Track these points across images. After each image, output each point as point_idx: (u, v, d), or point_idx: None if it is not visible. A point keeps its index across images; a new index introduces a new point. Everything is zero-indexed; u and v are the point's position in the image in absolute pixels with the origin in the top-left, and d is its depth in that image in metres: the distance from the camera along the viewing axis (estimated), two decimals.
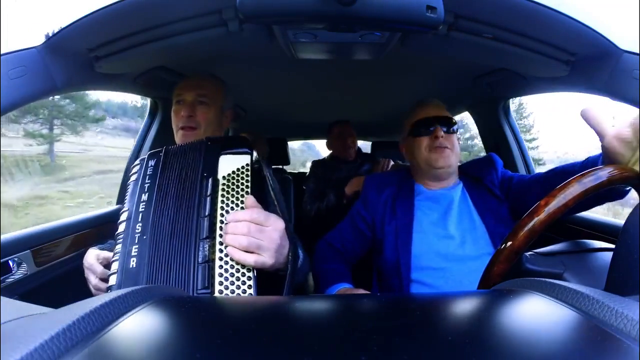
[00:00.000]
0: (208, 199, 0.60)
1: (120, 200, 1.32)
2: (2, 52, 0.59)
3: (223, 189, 0.61)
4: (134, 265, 0.56)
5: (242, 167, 0.64)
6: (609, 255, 0.47)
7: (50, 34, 0.64)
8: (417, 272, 0.88)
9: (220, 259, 0.55)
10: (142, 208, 0.61)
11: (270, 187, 0.67)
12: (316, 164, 1.92)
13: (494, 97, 1.34)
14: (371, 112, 2.04)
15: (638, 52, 0.61)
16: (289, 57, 0.89)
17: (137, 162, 0.69)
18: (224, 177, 0.63)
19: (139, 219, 0.60)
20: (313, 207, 1.70)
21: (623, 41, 0.62)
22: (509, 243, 0.48)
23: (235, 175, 0.63)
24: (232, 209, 0.60)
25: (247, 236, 0.54)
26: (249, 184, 0.62)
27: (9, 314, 0.27)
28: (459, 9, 0.64)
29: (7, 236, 0.84)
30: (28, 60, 0.63)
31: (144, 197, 0.62)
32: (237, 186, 0.62)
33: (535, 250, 0.61)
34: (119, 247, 0.59)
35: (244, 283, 0.54)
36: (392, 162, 1.73)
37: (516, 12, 0.61)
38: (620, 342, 0.22)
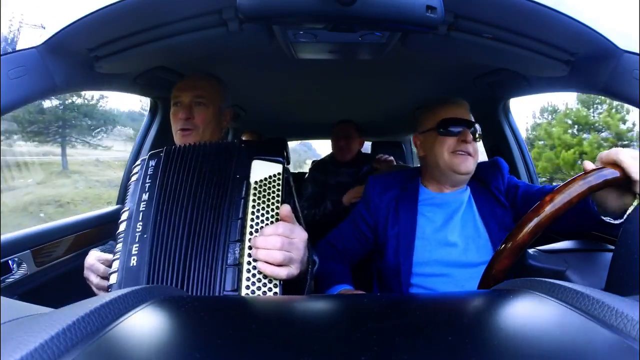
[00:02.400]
0: (242, 201, 0.60)
1: (121, 200, 1.32)
2: (2, 52, 0.59)
3: (254, 194, 0.61)
4: (135, 264, 0.57)
5: (275, 175, 0.63)
6: (610, 255, 0.47)
7: (50, 34, 0.64)
8: (418, 278, 0.88)
9: (249, 263, 0.56)
10: (142, 207, 0.61)
11: (295, 197, 0.67)
12: (315, 167, 1.89)
13: (494, 97, 1.34)
14: (371, 112, 2.04)
15: (638, 52, 0.61)
16: (289, 57, 0.89)
17: (138, 162, 0.69)
18: (255, 182, 0.62)
19: (140, 218, 0.60)
20: (310, 213, 1.67)
21: (623, 41, 0.62)
22: (514, 238, 0.48)
23: (267, 182, 0.63)
24: (263, 215, 0.59)
25: (281, 250, 0.54)
26: (280, 193, 0.62)
27: (9, 314, 0.27)
28: (459, 9, 0.64)
29: (7, 236, 0.84)
30: (28, 60, 0.63)
31: (145, 196, 0.62)
32: (269, 194, 0.62)
33: (538, 248, 0.62)
34: (119, 246, 0.59)
35: (270, 290, 0.55)
36: (392, 157, 1.71)
37: (516, 12, 0.61)
38: (620, 342, 0.22)
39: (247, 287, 0.54)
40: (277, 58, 0.97)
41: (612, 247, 0.55)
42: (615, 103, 10.13)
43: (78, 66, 0.73)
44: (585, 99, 10.91)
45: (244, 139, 2.23)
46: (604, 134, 10.54)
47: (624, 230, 0.44)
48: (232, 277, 0.54)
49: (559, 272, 0.55)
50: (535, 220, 0.47)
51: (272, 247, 0.54)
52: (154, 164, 0.66)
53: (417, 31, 0.60)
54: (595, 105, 10.96)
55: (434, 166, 0.94)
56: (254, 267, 0.55)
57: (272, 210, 0.60)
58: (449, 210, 0.93)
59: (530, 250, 0.59)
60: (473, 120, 0.93)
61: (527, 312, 0.30)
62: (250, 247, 0.56)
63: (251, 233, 0.58)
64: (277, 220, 0.59)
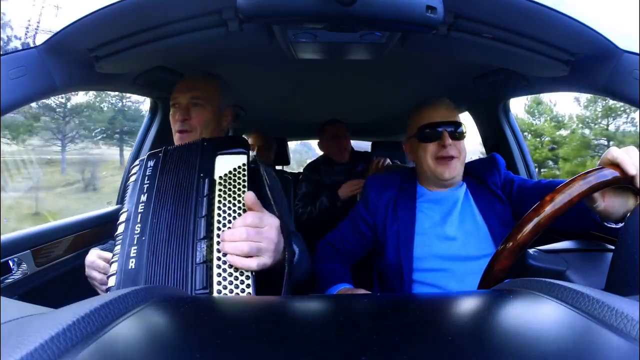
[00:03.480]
0: (205, 199, 0.60)
1: (121, 200, 1.32)
2: (2, 52, 0.59)
3: (220, 189, 0.62)
4: (133, 267, 0.56)
5: (239, 167, 0.64)
6: (610, 254, 0.47)
7: (50, 34, 0.64)
8: (419, 274, 0.88)
9: (219, 259, 0.56)
10: (141, 209, 0.61)
11: (267, 186, 0.67)
12: (309, 168, 1.87)
13: (494, 97, 1.34)
14: (371, 112, 2.04)
15: (638, 52, 0.61)
16: (289, 57, 0.89)
17: (137, 162, 0.69)
18: (220, 178, 0.63)
19: (138, 220, 0.60)
20: (305, 211, 1.66)
21: (623, 41, 0.62)
22: (514, 238, 0.48)
23: (231, 176, 0.63)
24: (229, 208, 0.60)
25: (247, 241, 0.54)
26: (245, 183, 0.63)
27: (9, 314, 0.27)
28: (459, 9, 0.64)
29: (7, 236, 0.84)
30: (28, 60, 0.63)
31: (143, 197, 0.62)
32: (234, 186, 0.62)
33: (538, 248, 0.62)
34: (118, 248, 0.59)
35: (242, 282, 0.55)
36: (388, 160, 1.71)
37: (516, 12, 0.61)
38: (620, 342, 0.22)
39: (219, 283, 0.54)
40: (277, 58, 0.97)
41: (612, 247, 0.55)
42: (554, 113, 12.80)
43: (78, 66, 0.73)
44: (529, 110, 13.18)
45: (250, 141, 2.23)
46: (543, 139, 12.88)
47: (624, 230, 0.44)
48: (201, 275, 0.54)
49: (559, 272, 0.55)
50: (536, 220, 0.47)
51: (238, 239, 0.54)
52: (152, 164, 0.66)
53: (417, 31, 0.60)
54: (539, 116, 13.29)
55: (422, 172, 0.97)
56: (224, 262, 0.55)
57: (239, 202, 0.60)
58: (446, 206, 0.93)
59: (531, 250, 0.59)
60: (455, 119, 0.92)
61: (527, 312, 0.30)
62: (219, 243, 0.56)
63: (219, 229, 0.58)
64: (244, 210, 0.59)
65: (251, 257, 0.54)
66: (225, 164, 0.65)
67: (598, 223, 0.60)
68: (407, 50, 0.83)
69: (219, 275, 0.55)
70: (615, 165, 0.50)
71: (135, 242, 0.58)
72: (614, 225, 0.59)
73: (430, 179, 0.95)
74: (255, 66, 1.17)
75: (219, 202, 0.60)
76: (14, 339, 0.21)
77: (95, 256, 0.73)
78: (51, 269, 0.94)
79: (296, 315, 0.32)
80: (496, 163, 0.99)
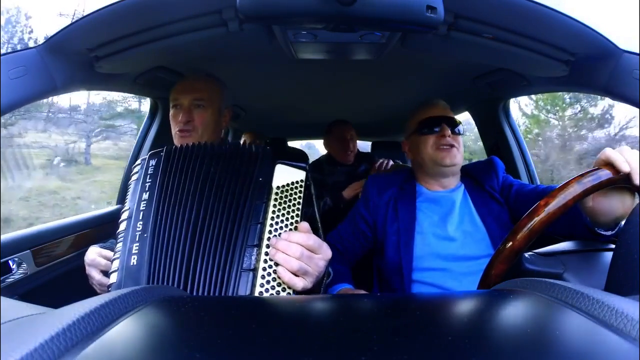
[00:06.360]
0: (263, 205, 0.59)
1: (121, 200, 1.32)
2: (2, 52, 0.59)
3: (275, 199, 0.60)
4: (135, 263, 0.57)
5: (297, 182, 0.62)
6: (609, 255, 0.47)
7: (50, 34, 0.64)
8: (418, 273, 0.88)
9: (264, 269, 0.55)
10: (143, 207, 0.61)
11: (316, 207, 0.66)
12: (312, 168, 1.87)
13: (494, 97, 1.34)
14: (371, 112, 2.03)
15: (638, 52, 0.61)
16: (289, 57, 0.89)
17: (139, 162, 0.69)
18: (277, 188, 0.61)
19: (140, 218, 0.60)
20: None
21: (623, 41, 0.62)
22: (509, 243, 0.48)
23: (289, 189, 0.61)
24: (282, 221, 0.59)
25: (299, 260, 0.54)
26: (301, 200, 0.61)
27: (9, 314, 0.27)
28: (459, 9, 0.64)
29: (7, 236, 0.84)
30: (28, 60, 0.63)
31: (145, 196, 0.62)
32: (290, 200, 0.60)
33: (535, 251, 0.61)
34: (119, 245, 0.59)
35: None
36: (391, 162, 1.71)
37: (516, 12, 0.61)
38: (620, 342, 0.22)
39: (260, 294, 0.54)
40: (277, 58, 0.97)
41: (612, 247, 0.55)
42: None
43: (78, 66, 0.73)
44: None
45: (244, 139, 2.23)
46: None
47: (624, 231, 0.44)
48: (247, 281, 0.54)
49: (556, 275, 0.55)
50: (529, 225, 0.47)
51: (291, 254, 0.54)
52: (154, 164, 0.66)
53: (417, 31, 0.60)
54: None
55: (422, 165, 0.98)
56: (269, 274, 0.55)
57: (292, 217, 0.59)
58: (445, 207, 0.94)
59: (527, 254, 0.59)
60: (452, 116, 0.96)
61: (527, 312, 0.30)
62: (267, 253, 0.56)
63: (269, 239, 0.57)
64: (295, 228, 0.58)
65: (297, 276, 0.54)
66: (285, 174, 0.63)
67: (589, 229, 0.60)
68: (407, 50, 0.83)
69: (262, 285, 0.54)
70: (610, 165, 0.50)
71: (137, 239, 0.58)
72: (603, 232, 0.59)
73: (430, 171, 0.96)
74: (255, 66, 1.17)
75: (273, 212, 0.59)
76: (14, 339, 0.21)
77: (95, 254, 0.73)
78: (51, 269, 0.94)
79: (296, 315, 0.32)
80: (494, 167, 1.00)
